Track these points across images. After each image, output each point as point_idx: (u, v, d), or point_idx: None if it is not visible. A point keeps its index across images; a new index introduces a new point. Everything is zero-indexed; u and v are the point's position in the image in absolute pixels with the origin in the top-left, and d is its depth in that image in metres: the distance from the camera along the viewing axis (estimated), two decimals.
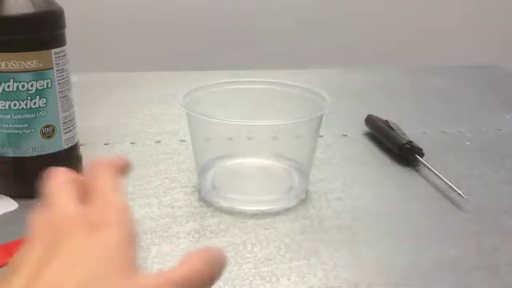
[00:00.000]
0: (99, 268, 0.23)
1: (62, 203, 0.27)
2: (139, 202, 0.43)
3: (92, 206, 0.26)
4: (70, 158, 0.48)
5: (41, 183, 0.29)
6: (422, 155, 0.54)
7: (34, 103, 0.44)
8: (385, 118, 0.62)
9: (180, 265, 0.25)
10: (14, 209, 0.44)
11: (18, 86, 0.43)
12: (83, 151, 0.52)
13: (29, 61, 0.42)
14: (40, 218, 0.26)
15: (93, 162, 0.29)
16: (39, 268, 0.22)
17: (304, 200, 0.48)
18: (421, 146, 0.56)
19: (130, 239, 0.24)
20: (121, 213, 0.26)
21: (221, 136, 0.50)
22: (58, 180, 0.28)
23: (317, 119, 0.46)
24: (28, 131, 0.44)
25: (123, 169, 0.31)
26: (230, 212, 0.45)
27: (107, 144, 0.60)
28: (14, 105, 0.43)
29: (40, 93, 0.44)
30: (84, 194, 0.28)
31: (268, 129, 0.47)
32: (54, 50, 0.44)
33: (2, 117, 0.44)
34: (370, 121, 0.64)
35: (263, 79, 0.51)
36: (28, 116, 0.44)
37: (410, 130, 0.60)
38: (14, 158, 0.45)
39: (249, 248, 0.40)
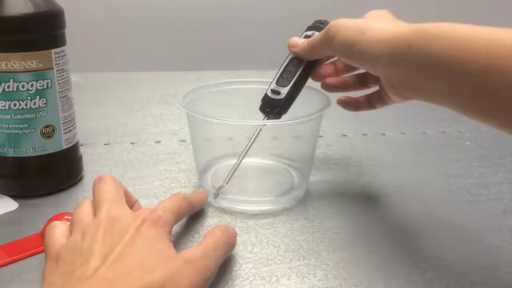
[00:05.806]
0: (154, 252, 0.30)
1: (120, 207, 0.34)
2: (139, 202, 0.43)
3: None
4: (70, 157, 0.48)
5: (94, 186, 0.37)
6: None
7: (34, 103, 0.44)
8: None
9: (206, 237, 0.34)
10: (14, 209, 0.44)
11: (17, 86, 0.43)
12: (83, 151, 0.52)
13: (29, 61, 0.42)
14: (102, 216, 0.33)
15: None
16: (106, 255, 0.29)
17: (304, 200, 0.48)
18: (421, 146, 0.56)
19: (166, 234, 0.33)
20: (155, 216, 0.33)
21: (221, 136, 0.50)
22: (112, 186, 0.36)
23: (317, 119, 0.46)
24: (28, 131, 0.44)
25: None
26: (230, 212, 0.45)
27: (107, 144, 0.60)
28: (14, 105, 0.43)
29: (40, 93, 0.44)
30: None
31: (268, 129, 0.46)
32: (54, 50, 0.44)
33: (2, 117, 0.44)
34: None
35: (263, 79, 0.51)
36: (28, 116, 0.44)
37: (410, 130, 0.60)
38: (14, 158, 0.45)
39: (249, 248, 0.40)
